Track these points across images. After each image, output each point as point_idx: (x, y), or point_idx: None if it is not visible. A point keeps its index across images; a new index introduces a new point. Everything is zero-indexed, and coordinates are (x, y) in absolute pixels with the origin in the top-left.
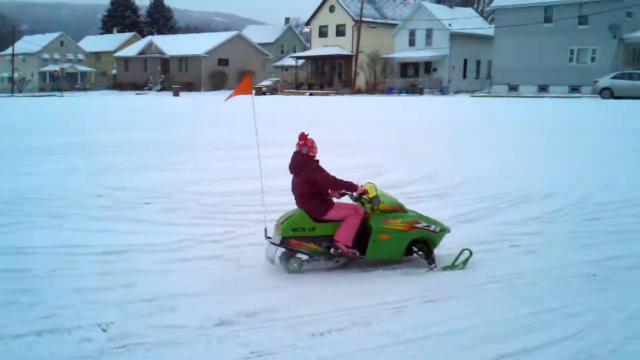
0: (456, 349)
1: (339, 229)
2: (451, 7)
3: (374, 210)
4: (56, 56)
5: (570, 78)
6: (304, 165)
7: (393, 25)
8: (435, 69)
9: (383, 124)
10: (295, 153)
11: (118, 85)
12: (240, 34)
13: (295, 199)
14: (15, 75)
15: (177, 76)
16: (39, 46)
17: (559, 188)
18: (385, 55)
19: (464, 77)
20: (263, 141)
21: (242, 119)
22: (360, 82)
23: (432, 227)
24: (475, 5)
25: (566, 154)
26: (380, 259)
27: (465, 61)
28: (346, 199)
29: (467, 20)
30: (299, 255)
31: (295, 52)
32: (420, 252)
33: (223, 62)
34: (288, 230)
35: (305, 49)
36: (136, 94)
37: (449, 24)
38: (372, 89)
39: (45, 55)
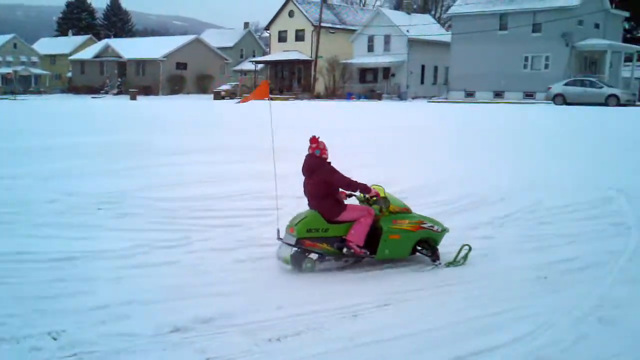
0: (409, 352)
1: (351, 229)
2: (409, 14)
3: (382, 212)
4: (9, 58)
5: (525, 84)
6: (318, 167)
7: (352, 31)
8: (393, 75)
9: (342, 130)
10: (308, 156)
11: (73, 88)
12: (199, 38)
13: (308, 200)
14: None
15: (134, 80)
16: None
17: (512, 192)
18: (344, 61)
19: (422, 82)
20: (218, 146)
21: (198, 124)
22: (320, 87)
23: (435, 227)
24: (433, 12)
25: (518, 159)
26: (390, 258)
27: (423, 67)
28: (352, 200)
29: (425, 26)
30: (310, 255)
31: (254, 56)
32: (423, 251)
33: (181, 66)
34: (303, 231)
35: (264, 53)
36: (92, 97)
37: (407, 30)
38: (331, 94)
39: None
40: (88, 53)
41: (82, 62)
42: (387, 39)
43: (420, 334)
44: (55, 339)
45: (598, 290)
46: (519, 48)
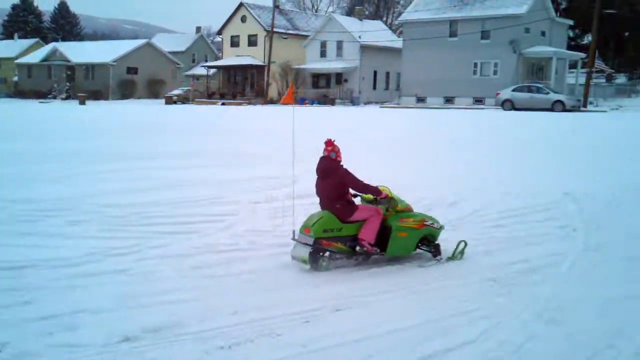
0: (362, 357)
1: (362, 228)
2: (361, 20)
3: (389, 211)
4: None
5: (475, 90)
6: (334, 170)
7: (305, 37)
8: (346, 80)
9: (296, 135)
10: (323, 158)
11: (19, 93)
12: (150, 42)
13: (320, 201)
14: None
15: (84, 84)
16: None
17: (464, 196)
18: (297, 66)
19: (374, 88)
20: (172, 151)
21: (150, 129)
22: (273, 92)
23: (435, 225)
24: (385, 19)
25: (469, 163)
26: (399, 255)
27: (375, 73)
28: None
29: (377, 32)
30: (325, 254)
31: (206, 61)
32: (423, 247)
33: (132, 70)
34: (320, 231)
35: (217, 58)
36: (39, 102)
37: (359, 36)
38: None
39: None
40: (35, 57)
41: (28, 66)
42: (339, 45)
43: (373, 338)
44: None
45: (546, 291)
46: (468, 55)
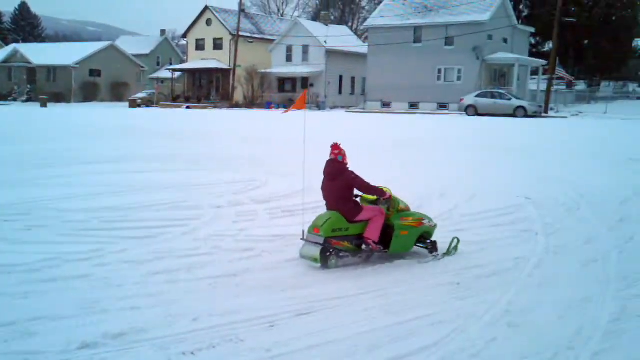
0: None
1: (367, 228)
2: (327, 25)
3: (390, 211)
4: None
5: (439, 96)
6: (341, 172)
7: (270, 41)
8: (312, 85)
9: (260, 139)
10: (330, 161)
11: None
12: (113, 45)
13: (327, 202)
14: None
15: (45, 86)
16: None
17: (427, 199)
18: (263, 70)
19: (340, 93)
20: (134, 155)
21: (112, 132)
22: (239, 96)
23: (431, 223)
24: (350, 24)
25: (433, 167)
26: (400, 252)
27: (341, 77)
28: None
29: (342, 38)
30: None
31: (171, 64)
32: (420, 245)
33: (95, 73)
34: (329, 231)
35: (182, 61)
36: None
37: (325, 41)
38: (250, 103)
39: None
40: None
41: None
42: (305, 50)
43: (336, 342)
44: None
45: (507, 295)
46: (432, 60)
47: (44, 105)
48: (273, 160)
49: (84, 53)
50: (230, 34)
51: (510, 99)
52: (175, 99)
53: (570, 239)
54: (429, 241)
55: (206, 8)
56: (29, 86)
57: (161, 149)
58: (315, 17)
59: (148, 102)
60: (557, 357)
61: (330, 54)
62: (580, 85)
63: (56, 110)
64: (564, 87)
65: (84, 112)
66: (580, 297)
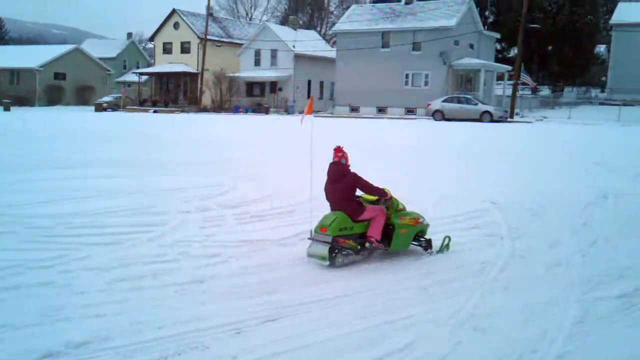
0: None
1: (370, 226)
2: (295, 30)
3: (390, 210)
4: None
5: (407, 100)
6: (345, 174)
7: (238, 45)
8: (280, 89)
9: (228, 143)
10: (333, 164)
11: None
12: (79, 48)
13: (331, 203)
14: None
15: (9, 90)
16: None
17: None
18: (231, 74)
19: (308, 97)
20: (99, 159)
21: (76, 136)
22: (207, 100)
23: (425, 222)
24: (318, 28)
25: (401, 172)
26: (400, 249)
27: (309, 82)
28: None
29: (311, 42)
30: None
31: (138, 67)
32: (414, 242)
33: (60, 76)
34: (336, 230)
35: (149, 65)
36: None
37: (293, 46)
38: (218, 107)
39: None
40: None
41: None
42: (273, 54)
43: (303, 348)
44: None
45: (473, 299)
46: (400, 65)
47: (7, 109)
48: (242, 165)
49: (49, 56)
50: (198, 37)
51: (476, 104)
52: (142, 103)
53: (535, 242)
54: (423, 239)
55: (173, 11)
56: None
57: (128, 153)
58: (283, 22)
59: (114, 106)
60: None
61: (299, 58)
62: (545, 91)
63: (20, 114)
64: (529, 92)
65: (48, 115)
66: (545, 301)
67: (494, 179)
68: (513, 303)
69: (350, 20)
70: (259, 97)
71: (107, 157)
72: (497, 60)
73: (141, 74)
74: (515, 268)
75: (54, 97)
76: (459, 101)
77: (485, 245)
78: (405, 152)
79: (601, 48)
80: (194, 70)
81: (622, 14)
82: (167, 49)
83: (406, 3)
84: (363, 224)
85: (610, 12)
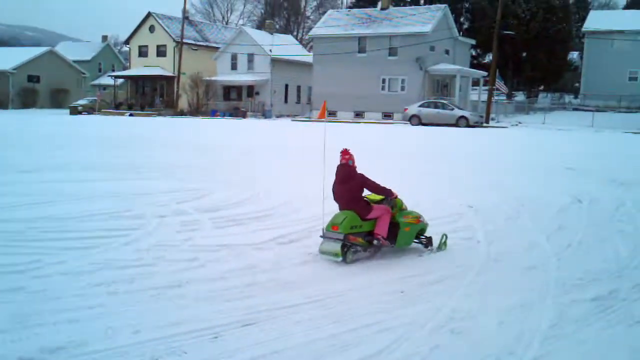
0: None
1: (377, 224)
2: (272, 34)
3: (395, 209)
4: None
5: (383, 105)
6: (353, 175)
7: (215, 49)
8: (257, 93)
9: (205, 147)
10: (341, 165)
11: None
12: (53, 50)
13: (340, 203)
14: None
15: None
16: None
17: None
18: (208, 78)
19: (286, 101)
20: (73, 162)
21: (52, 140)
22: (183, 103)
23: (425, 221)
24: (295, 33)
25: (379, 176)
26: (405, 246)
27: (287, 86)
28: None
29: (288, 46)
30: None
31: (114, 70)
32: (416, 240)
33: (34, 78)
34: (348, 228)
35: (124, 68)
36: None
37: (270, 50)
38: (195, 111)
39: None
40: None
41: None
42: (250, 58)
43: (280, 352)
44: None
45: (450, 302)
46: (376, 70)
47: None
48: (219, 169)
49: (22, 58)
50: (174, 40)
51: (452, 109)
52: (118, 106)
53: (510, 246)
54: (423, 237)
55: (149, 14)
56: None
57: (103, 157)
58: (260, 26)
59: (90, 109)
60: None
61: (276, 62)
62: (520, 96)
63: None
64: (504, 98)
65: (22, 118)
66: (521, 304)
67: (470, 183)
68: (490, 306)
69: (327, 25)
70: (236, 101)
71: (82, 161)
72: (472, 66)
73: (117, 77)
74: (492, 271)
75: (28, 100)
76: (436, 106)
77: (461, 249)
78: (381, 156)
79: (574, 55)
80: (170, 74)
81: (593, 21)
82: (142, 52)
83: (382, 9)
84: (371, 222)
85: (583, 19)
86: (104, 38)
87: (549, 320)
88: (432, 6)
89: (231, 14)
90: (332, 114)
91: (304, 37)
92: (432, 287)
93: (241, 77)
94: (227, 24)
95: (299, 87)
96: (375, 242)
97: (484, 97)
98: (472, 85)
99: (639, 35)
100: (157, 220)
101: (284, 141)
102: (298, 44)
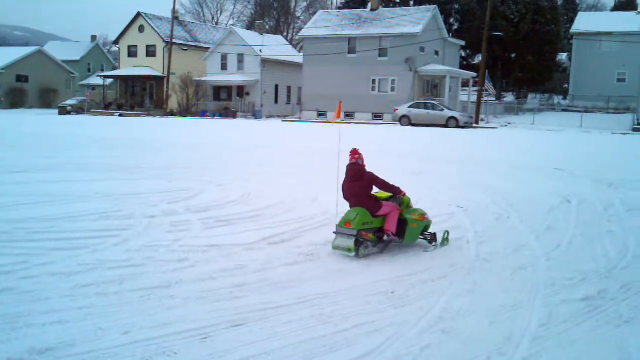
0: None
1: (386, 221)
2: (262, 35)
3: (402, 207)
4: None
5: (374, 106)
6: (363, 174)
7: (205, 49)
8: (248, 93)
9: (195, 147)
10: (351, 165)
11: None
12: (41, 50)
13: (350, 201)
14: None
15: None
16: None
17: None
18: (198, 78)
19: (276, 102)
20: (62, 163)
21: (41, 140)
22: (173, 104)
23: (430, 218)
24: (285, 34)
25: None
26: (412, 242)
27: (277, 87)
28: None
29: (278, 47)
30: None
31: (103, 71)
32: (420, 236)
33: (22, 78)
34: (360, 224)
35: (114, 68)
36: None
37: (260, 50)
38: (185, 111)
39: None
40: None
41: None
42: (240, 58)
43: (270, 353)
44: None
45: (441, 302)
46: (367, 71)
47: None
48: (209, 169)
49: (11, 58)
50: (164, 41)
51: (442, 110)
52: (107, 107)
53: (500, 246)
54: (428, 233)
55: (138, 14)
56: None
57: (93, 157)
58: (250, 27)
59: (79, 109)
60: None
61: (266, 63)
62: (509, 97)
63: None
64: (494, 98)
65: (11, 118)
66: (510, 304)
67: (459, 183)
68: (480, 306)
69: (317, 26)
70: (226, 101)
71: (71, 161)
72: (462, 67)
73: (106, 77)
74: (481, 271)
75: (16, 100)
76: (426, 107)
77: (451, 249)
78: (371, 157)
79: (563, 56)
80: (160, 74)
81: (582, 23)
82: (132, 52)
83: (372, 10)
84: (380, 219)
85: (571, 21)
86: (93, 38)
87: (538, 320)
88: (422, 7)
89: (221, 14)
90: (322, 114)
91: (294, 38)
92: (423, 287)
93: (231, 78)
94: (217, 24)
95: (289, 88)
96: (385, 237)
97: (474, 97)
98: (462, 86)
99: (627, 37)
100: (147, 221)
101: (275, 141)
102: (288, 44)
